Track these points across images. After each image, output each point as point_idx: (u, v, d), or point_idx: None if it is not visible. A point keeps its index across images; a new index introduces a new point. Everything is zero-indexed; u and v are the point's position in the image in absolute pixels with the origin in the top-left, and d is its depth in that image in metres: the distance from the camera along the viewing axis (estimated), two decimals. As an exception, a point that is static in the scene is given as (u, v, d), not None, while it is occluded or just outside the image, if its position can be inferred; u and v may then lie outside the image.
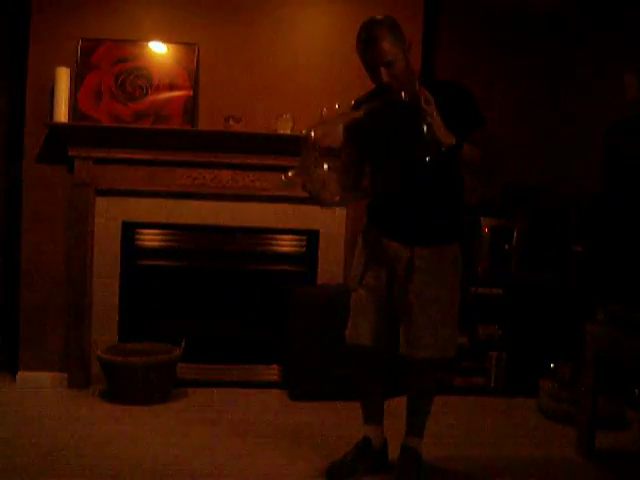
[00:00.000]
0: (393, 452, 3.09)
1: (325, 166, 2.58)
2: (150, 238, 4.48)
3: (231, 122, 4.19)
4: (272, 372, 4.44)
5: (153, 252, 4.49)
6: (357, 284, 2.96)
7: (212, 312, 4.55)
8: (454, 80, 2.92)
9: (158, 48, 4.24)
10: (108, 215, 4.30)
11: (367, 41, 2.69)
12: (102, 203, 4.28)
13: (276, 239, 4.55)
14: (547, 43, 4.86)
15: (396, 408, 3.22)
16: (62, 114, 4.08)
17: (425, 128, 2.50)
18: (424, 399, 3.03)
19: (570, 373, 3.95)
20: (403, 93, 2.60)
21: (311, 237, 4.46)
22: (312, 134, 2.58)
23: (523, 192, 4.62)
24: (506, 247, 4.48)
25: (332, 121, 2.64)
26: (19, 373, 4.26)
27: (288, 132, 4.20)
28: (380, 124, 2.72)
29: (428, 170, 2.69)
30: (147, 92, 4.21)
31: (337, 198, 2.66)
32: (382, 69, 2.69)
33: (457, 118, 2.62)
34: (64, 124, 4.10)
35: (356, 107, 2.79)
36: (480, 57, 4.83)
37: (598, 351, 3.33)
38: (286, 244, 4.56)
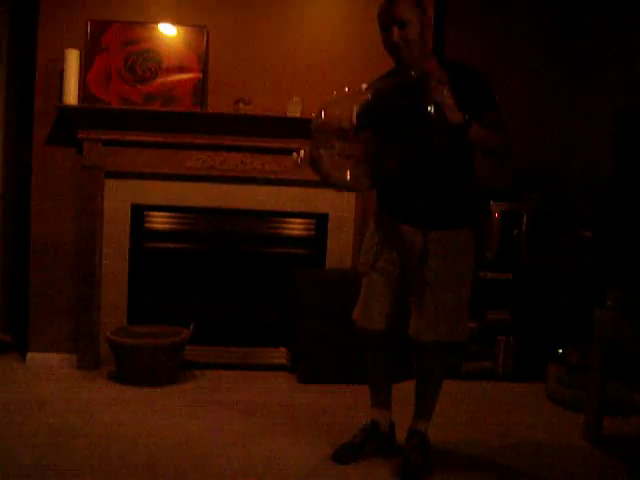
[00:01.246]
0: (401, 435, 3.10)
1: (337, 146, 2.57)
2: (159, 221, 4.48)
3: (240, 105, 4.18)
4: (280, 355, 4.45)
5: (162, 235, 4.50)
6: (370, 268, 2.95)
7: (220, 295, 4.56)
8: (468, 63, 2.89)
9: (167, 30, 4.22)
10: (117, 197, 4.30)
11: (387, 1, 2.73)
12: (111, 185, 4.28)
13: (285, 222, 4.55)
14: (562, 24, 4.82)
15: (405, 392, 3.23)
16: (72, 96, 4.07)
17: (432, 108, 2.49)
18: (433, 383, 3.03)
19: (578, 358, 3.95)
20: (412, 71, 2.59)
21: (320, 220, 4.46)
22: (322, 115, 2.57)
23: (533, 177, 4.60)
24: (515, 232, 4.46)
25: (342, 101, 2.62)
26: (29, 354, 4.28)
27: (298, 115, 4.19)
28: (389, 105, 2.69)
29: (438, 152, 2.68)
30: (156, 74, 4.20)
31: (349, 179, 2.63)
32: (394, 28, 2.69)
33: (468, 100, 2.60)
34: (74, 106, 4.10)
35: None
36: (492, 38, 4.80)
37: (606, 337, 3.33)
38: (295, 227, 4.56)
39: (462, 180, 2.87)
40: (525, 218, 4.45)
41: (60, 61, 4.08)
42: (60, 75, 4.10)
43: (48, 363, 4.24)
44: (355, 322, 3.00)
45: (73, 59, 4.07)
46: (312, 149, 2.60)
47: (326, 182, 2.69)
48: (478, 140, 2.68)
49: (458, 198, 2.87)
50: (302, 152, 2.64)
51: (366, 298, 2.98)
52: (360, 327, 2.99)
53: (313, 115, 2.61)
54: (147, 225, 4.44)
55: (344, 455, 3.00)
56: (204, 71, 4.23)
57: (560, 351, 4.15)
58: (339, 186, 2.73)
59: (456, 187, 2.85)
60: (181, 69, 4.21)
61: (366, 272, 2.98)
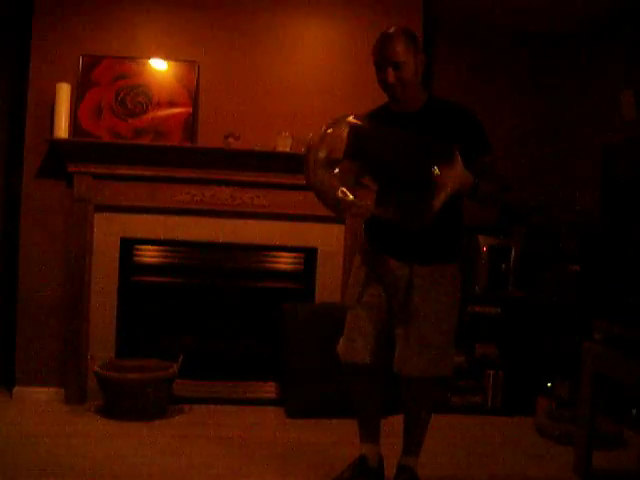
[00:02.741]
0: (390, 470, 3.08)
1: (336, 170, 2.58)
2: (148, 254, 4.49)
3: (230, 139, 4.21)
4: (269, 389, 4.43)
5: (151, 268, 4.50)
6: (356, 302, 2.95)
7: (209, 329, 4.55)
8: (462, 105, 2.90)
9: (158, 65, 4.26)
10: (107, 231, 4.30)
11: (382, 40, 2.76)
12: (101, 219, 4.28)
13: (274, 256, 4.56)
14: (546, 63, 4.90)
15: (393, 426, 3.21)
16: (62, 130, 4.10)
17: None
18: (421, 418, 3.01)
19: (568, 392, 3.95)
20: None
21: (309, 255, 4.47)
22: (320, 155, 2.58)
23: (521, 211, 4.64)
24: (503, 266, 4.49)
25: (334, 127, 2.62)
26: (15, 388, 4.25)
27: (287, 150, 4.22)
28: (388, 150, 2.68)
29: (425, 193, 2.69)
30: (147, 109, 4.23)
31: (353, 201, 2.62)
32: (389, 69, 2.72)
33: (464, 143, 2.63)
34: (64, 140, 4.12)
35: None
36: (478, 75, 4.87)
37: (596, 370, 3.33)
38: (284, 261, 4.57)
39: (450, 217, 2.88)
40: (513, 252, 4.49)
41: (51, 95, 4.10)
42: (51, 108, 4.12)
43: (35, 397, 4.21)
44: (339, 356, 3.00)
45: (64, 93, 4.10)
46: (308, 175, 2.60)
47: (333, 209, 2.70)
48: (486, 195, 2.72)
49: (445, 233, 2.88)
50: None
51: (350, 332, 2.97)
52: (345, 361, 2.98)
53: (310, 142, 2.61)
54: (136, 259, 4.45)
55: (333, 490, 2.98)
56: (194, 106, 4.26)
57: (549, 385, 4.16)
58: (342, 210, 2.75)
59: (443, 223, 2.86)
60: (171, 104, 4.24)
61: (352, 306, 2.98)
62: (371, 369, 2.95)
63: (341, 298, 4.30)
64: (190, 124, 4.25)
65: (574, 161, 4.83)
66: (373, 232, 2.99)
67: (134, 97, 4.23)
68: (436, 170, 2.50)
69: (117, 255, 4.34)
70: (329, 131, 2.57)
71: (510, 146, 4.82)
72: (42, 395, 4.23)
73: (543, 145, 4.92)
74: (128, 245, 4.38)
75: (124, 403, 3.92)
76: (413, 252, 2.85)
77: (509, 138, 4.84)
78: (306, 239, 4.43)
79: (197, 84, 4.27)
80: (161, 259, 4.52)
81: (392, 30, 2.76)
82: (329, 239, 4.42)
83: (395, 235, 2.85)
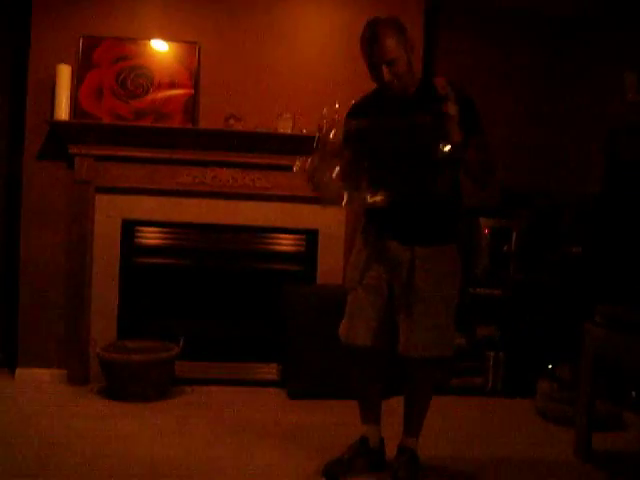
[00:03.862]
0: (391, 451, 3.09)
1: (337, 169, 2.59)
2: (150, 236, 4.49)
3: (231, 121, 4.20)
4: (271, 371, 4.45)
5: (152, 250, 4.50)
6: (357, 284, 2.96)
7: (211, 310, 4.56)
8: (457, 84, 2.90)
9: (159, 46, 4.25)
10: (108, 213, 4.30)
11: (371, 39, 2.72)
12: (102, 201, 4.28)
13: (276, 238, 4.56)
14: (548, 45, 4.88)
15: (394, 407, 3.23)
16: (63, 112, 4.09)
17: (445, 147, 2.54)
18: (421, 399, 3.03)
19: (568, 374, 3.96)
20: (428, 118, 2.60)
21: (311, 236, 4.47)
22: (331, 136, 2.59)
23: (522, 194, 4.63)
24: (505, 248, 4.49)
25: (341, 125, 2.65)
26: (18, 370, 4.27)
27: (288, 131, 4.22)
28: (387, 134, 2.73)
29: (430, 174, 2.71)
30: (148, 90, 4.22)
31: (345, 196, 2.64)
32: (384, 67, 2.70)
33: (463, 121, 2.63)
34: (65, 122, 4.11)
35: (355, 110, 2.84)
36: (480, 58, 4.84)
37: (596, 353, 3.33)
38: (286, 243, 4.57)
39: (449, 199, 2.89)
40: (515, 235, 4.48)
41: (52, 76, 4.09)
42: (52, 90, 4.11)
43: (38, 378, 4.23)
44: (341, 338, 3.01)
45: (65, 74, 4.09)
46: (314, 161, 2.61)
47: (324, 198, 2.70)
48: (469, 161, 2.71)
49: (444, 216, 2.89)
50: (305, 162, 2.64)
51: (352, 314, 2.98)
52: (346, 343, 2.99)
53: (322, 131, 2.64)
54: (137, 240, 4.44)
55: (334, 471, 2.99)
56: (195, 87, 4.25)
57: (550, 367, 4.17)
58: (329, 202, 2.74)
59: (442, 205, 2.87)
60: (173, 85, 4.23)
61: (353, 288, 2.99)
62: (372, 351, 2.96)
63: (342, 280, 4.30)
64: (191, 106, 4.24)
65: (577, 144, 4.81)
66: (373, 216, 2.98)
67: (135, 78, 4.22)
68: (443, 147, 2.53)
69: (118, 237, 4.35)
70: (330, 137, 2.63)
71: (512, 129, 4.80)
72: (44, 376, 4.25)
73: (546, 128, 4.89)
74: (129, 227, 4.38)
75: (126, 384, 3.94)
76: (413, 234, 2.86)
77: (511, 122, 4.82)
78: (307, 221, 4.43)
79: (198, 65, 4.26)
80: (162, 241, 4.52)
81: (378, 25, 2.72)
82: (330, 221, 4.41)
83: (395, 218, 2.86)
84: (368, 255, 2.96)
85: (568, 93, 4.87)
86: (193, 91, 4.24)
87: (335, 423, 3.70)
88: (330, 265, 4.44)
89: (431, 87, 2.74)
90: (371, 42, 2.71)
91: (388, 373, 3.14)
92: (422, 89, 2.82)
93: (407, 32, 2.76)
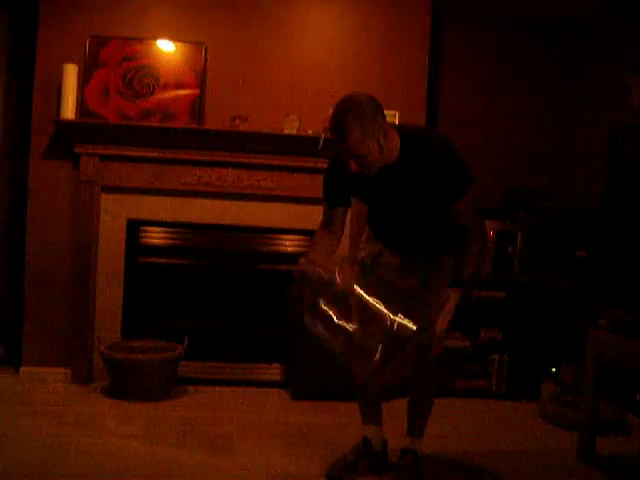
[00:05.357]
0: (394, 453, 3.09)
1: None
2: (154, 236, 4.49)
3: (237, 121, 4.20)
4: (274, 371, 4.45)
5: (157, 250, 4.50)
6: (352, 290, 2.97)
7: (215, 311, 4.56)
8: (436, 140, 2.77)
9: (166, 46, 4.25)
10: (113, 212, 4.31)
11: (335, 132, 2.52)
12: (108, 200, 4.29)
13: (280, 239, 4.56)
14: (553, 48, 4.87)
15: (397, 409, 3.23)
16: (69, 111, 4.09)
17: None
18: (424, 400, 3.05)
19: (572, 377, 3.95)
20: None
21: (315, 237, 4.47)
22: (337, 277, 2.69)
23: (526, 196, 4.62)
24: (509, 251, 4.48)
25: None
26: (22, 368, 4.27)
27: (294, 132, 4.22)
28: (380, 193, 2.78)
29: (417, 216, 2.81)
30: (154, 90, 4.22)
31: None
32: (351, 161, 2.56)
33: (442, 187, 2.63)
34: (71, 121, 4.12)
35: (330, 165, 2.85)
36: (486, 59, 4.84)
37: (600, 356, 3.33)
38: (290, 244, 4.57)
39: (439, 234, 2.91)
40: (519, 237, 4.48)
41: (58, 76, 4.10)
42: (58, 89, 4.12)
43: (42, 377, 4.23)
44: None
45: (71, 74, 4.09)
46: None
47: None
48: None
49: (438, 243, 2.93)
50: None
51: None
52: None
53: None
54: (142, 240, 4.45)
55: (337, 472, 2.99)
56: (201, 87, 4.25)
57: (553, 370, 4.16)
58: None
59: (430, 236, 2.91)
60: (179, 85, 4.24)
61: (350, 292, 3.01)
62: None
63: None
64: (197, 106, 4.25)
65: (581, 146, 4.81)
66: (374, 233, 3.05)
67: (141, 78, 4.22)
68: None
69: (124, 236, 4.35)
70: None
71: (516, 131, 4.80)
72: (49, 375, 4.25)
73: (550, 130, 4.89)
74: (134, 226, 4.39)
75: (130, 384, 3.95)
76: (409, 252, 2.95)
77: (515, 123, 4.82)
78: (312, 222, 4.40)
79: (204, 66, 4.26)
80: (167, 241, 4.52)
81: (345, 116, 2.47)
82: (335, 223, 4.40)
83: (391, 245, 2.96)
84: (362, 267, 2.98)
85: (573, 94, 4.86)
86: (199, 91, 4.25)
87: (339, 424, 3.70)
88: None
89: (412, 152, 2.64)
90: (336, 136, 2.53)
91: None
92: (403, 156, 2.65)
93: (380, 114, 2.53)
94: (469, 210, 2.71)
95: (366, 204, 2.95)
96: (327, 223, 2.91)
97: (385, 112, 2.58)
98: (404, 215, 2.81)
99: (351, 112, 2.47)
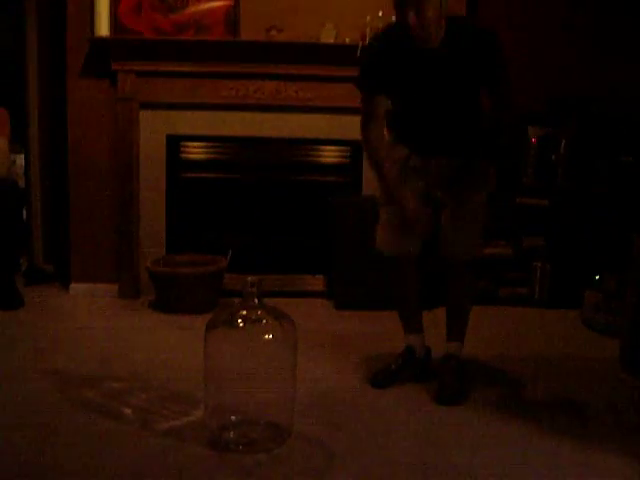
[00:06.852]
0: (438, 362, 3.13)
1: None
2: (194, 151, 4.51)
3: (273, 32, 4.13)
4: (317, 282, 4.50)
5: (197, 165, 4.52)
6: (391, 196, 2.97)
7: (257, 223, 4.59)
8: (482, 29, 2.80)
9: (198, -44, 4.16)
10: (152, 128, 4.31)
11: None
12: (146, 116, 4.29)
13: (320, 150, 4.54)
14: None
15: (439, 318, 3.25)
16: (103, 28, 4.06)
17: None
18: (462, 302, 3.07)
19: (615, 285, 3.92)
20: None
21: (355, 148, 4.43)
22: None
23: (570, 102, 4.49)
24: (553, 157, 4.40)
25: None
26: (72, 284, 4.39)
27: (331, 41, 4.14)
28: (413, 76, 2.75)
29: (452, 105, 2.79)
30: (187, 3, 4.16)
31: None
32: (410, 12, 2.53)
33: (481, 71, 2.68)
34: (105, 38, 4.09)
35: (371, 48, 2.87)
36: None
37: (644, 263, 3.30)
38: (330, 155, 4.55)
39: (471, 121, 2.88)
40: (563, 143, 4.38)
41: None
42: (91, 6, 4.08)
43: (90, 293, 4.34)
44: (381, 249, 3.04)
45: (103, -11, 4.04)
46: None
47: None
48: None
49: (468, 135, 2.89)
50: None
51: (385, 227, 3.02)
52: (388, 254, 3.02)
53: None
54: (182, 155, 4.47)
55: (381, 380, 3.04)
56: (235, -3, 4.17)
57: (597, 277, 4.13)
58: None
59: (465, 126, 2.87)
60: (212, -4, 4.16)
61: (385, 202, 3.00)
62: (413, 260, 3.00)
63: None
64: (232, 17, 4.17)
65: (628, 51, 4.62)
66: (398, 135, 3.01)
67: (174, -9, 4.15)
68: None
69: (164, 152, 4.37)
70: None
71: (559, 34, 4.62)
72: (97, 291, 4.36)
73: (595, 35, 4.69)
74: (174, 142, 4.40)
75: (175, 297, 4.03)
76: (440, 150, 2.91)
77: (558, 29, 4.62)
78: (351, 132, 4.34)
79: (238, -25, 4.17)
80: (207, 155, 4.54)
81: None
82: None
83: (420, 139, 2.93)
84: (397, 170, 2.96)
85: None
86: (233, 2, 4.17)
87: (381, 333, 3.73)
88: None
89: (457, 38, 2.65)
90: None
91: (429, 285, 3.16)
92: (448, 40, 2.67)
93: None
94: (505, 89, 2.78)
95: (397, 96, 2.90)
96: (371, 116, 2.91)
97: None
98: (439, 103, 2.78)
99: None
